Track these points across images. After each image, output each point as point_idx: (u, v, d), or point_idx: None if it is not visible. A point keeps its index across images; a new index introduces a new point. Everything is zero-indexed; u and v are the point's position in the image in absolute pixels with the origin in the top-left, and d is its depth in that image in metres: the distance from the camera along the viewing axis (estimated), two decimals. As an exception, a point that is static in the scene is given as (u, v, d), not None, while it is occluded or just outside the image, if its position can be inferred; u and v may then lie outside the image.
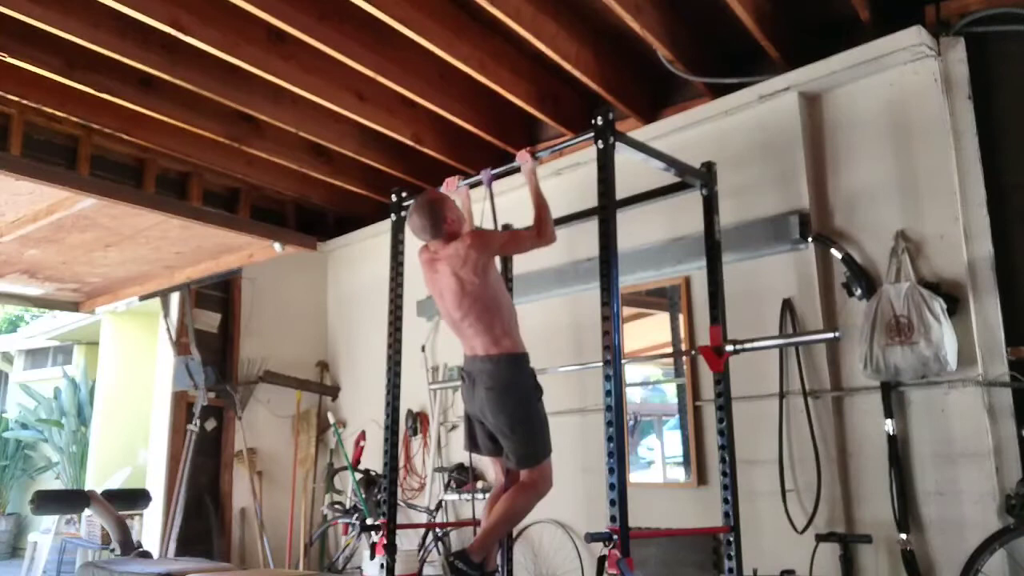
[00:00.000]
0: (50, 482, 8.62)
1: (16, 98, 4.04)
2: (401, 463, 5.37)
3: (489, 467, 3.35)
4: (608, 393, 2.67)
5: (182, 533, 5.25)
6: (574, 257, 4.51)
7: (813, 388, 3.60)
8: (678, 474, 4.15)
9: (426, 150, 4.88)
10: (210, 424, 5.74)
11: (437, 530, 4.91)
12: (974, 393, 3.21)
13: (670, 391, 4.35)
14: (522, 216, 4.33)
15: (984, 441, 3.16)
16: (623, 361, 2.85)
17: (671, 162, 3.32)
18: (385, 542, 3.45)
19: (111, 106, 4.24)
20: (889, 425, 3.34)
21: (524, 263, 4.44)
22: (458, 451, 5.18)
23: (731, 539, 3.21)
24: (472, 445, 3.28)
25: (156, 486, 5.52)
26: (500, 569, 3.15)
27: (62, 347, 9.41)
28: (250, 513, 5.72)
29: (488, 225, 3.50)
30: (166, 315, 6.00)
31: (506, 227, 4.29)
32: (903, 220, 3.46)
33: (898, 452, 3.32)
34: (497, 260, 3.35)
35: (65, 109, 4.20)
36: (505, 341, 3.07)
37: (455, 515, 5.11)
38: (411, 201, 3.79)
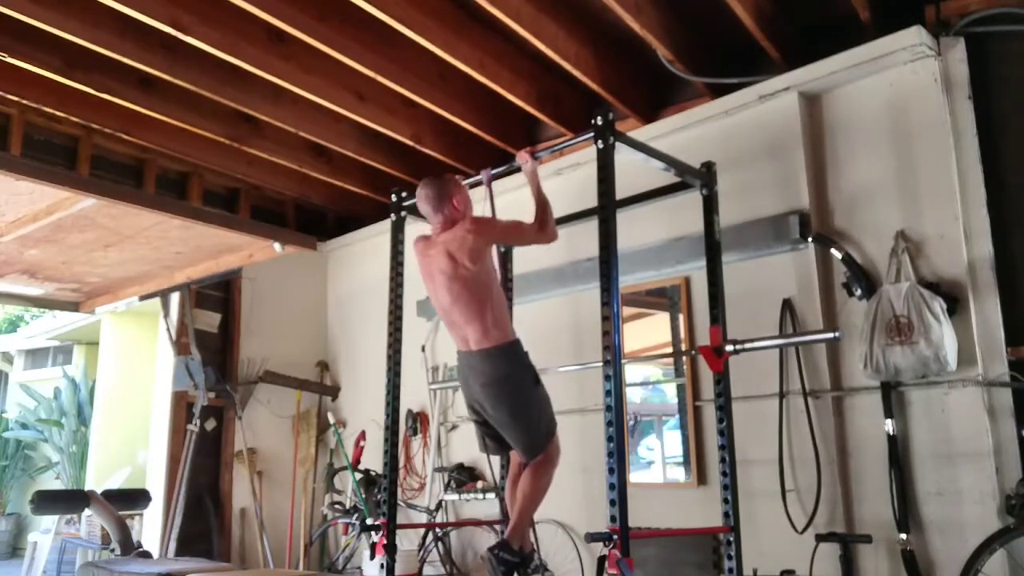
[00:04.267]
0: (50, 482, 8.62)
1: (16, 98, 4.04)
2: (401, 463, 5.37)
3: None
4: (608, 393, 2.67)
5: (182, 533, 5.25)
6: (574, 257, 4.51)
7: (813, 388, 3.60)
8: (678, 474, 4.15)
9: (426, 150, 4.88)
10: (210, 424, 5.74)
11: (437, 530, 4.91)
12: (974, 393, 3.21)
13: (670, 391, 4.35)
14: (521, 216, 4.34)
15: (984, 441, 3.16)
16: (623, 361, 2.85)
17: (671, 162, 3.32)
18: (385, 542, 3.45)
19: (111, 106, 4.24)
20: (889, 425, 3.34)
21: (524, 263, 4.44)
22: (458, 451, 5.18)
23: (731, 539, 3.21)
24: (483, 446, 3.31)
25: (156, 486, 5.51)
26: (536, 549, 3.20)
27: (62, 347, 9.41)
28: (250, 513, 5.72)
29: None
30: (166, 315, 6.00)
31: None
32: (903, 220, 3.46)
33: (898, 452, 3.32)
34: (495, 257, 3.34)
35: (65, 109, 4.20)
36: (495, 332, 3.05)
37: (455, 515, 5.11)
38: (411, 201, 3.80)
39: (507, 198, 4.69)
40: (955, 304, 3.26)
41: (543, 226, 3.14)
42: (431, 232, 3.23)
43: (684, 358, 4.13)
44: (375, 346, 5.01)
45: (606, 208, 2.83)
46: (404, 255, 3.78)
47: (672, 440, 4.24)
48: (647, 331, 4.52)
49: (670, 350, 4.28)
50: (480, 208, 3.45)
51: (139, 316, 7.67)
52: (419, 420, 5.41)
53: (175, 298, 5.99)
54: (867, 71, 3.58)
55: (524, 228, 3.16)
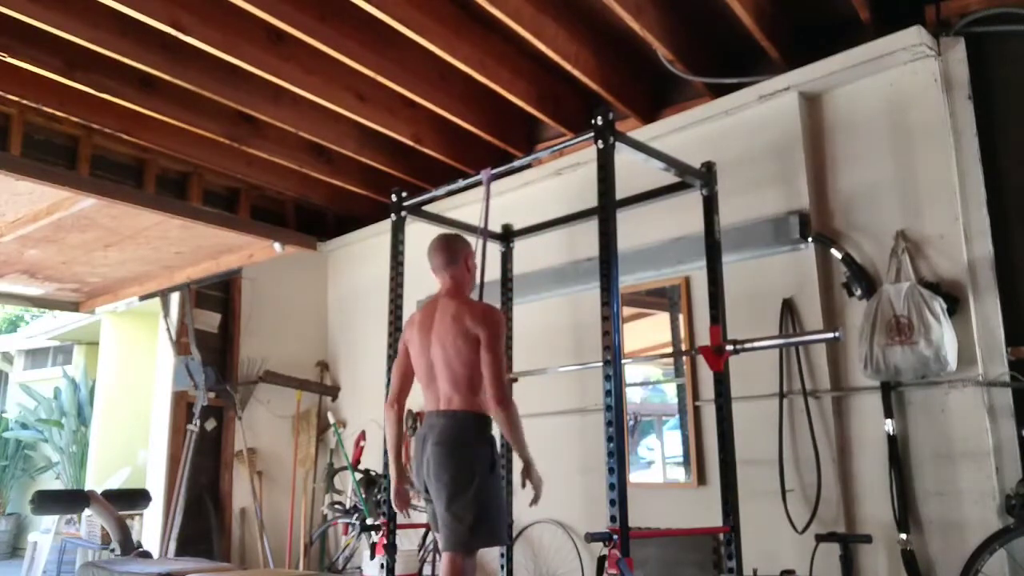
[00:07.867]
0: (50, 482, 8.62)
1: (16, 98, 4.04)
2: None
3: None
4: (608, 393, 2.67)
5: (182, 533, 5.26)
6: (574, 257, 4.51)
7: (813, 388, 3.60)
8: (678, 474, 4.15)
9: (426, 150, 4.88)
10: (210, 424, 5.74)
11: (437, 530, 4.91)
12: (974, 393, 3.20)
13: (670, 391, 4.35)
14: (521, 216, 4.35)
15: (984, 441, 3.16)
16: (623, 361, 2.84)
17: (671, 162, 3.31)
18: (385, 542, 3.45)
19: (111, 106, 4.25)
20: (889, 425, 3.34)
21: (524, 263, 4.45)
22: (458, 451, 5.18)
23: (731, 539, 3.21)
24: (434, 524, 2.96)
25: (156, 486, 5.52)
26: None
27: (62, 347, 9.41)
28: (250, 513, 5.72)
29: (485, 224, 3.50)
30: (166, 315, 6.00)
31: (506, 227, 4.31)
32: (903, 220, 3.46)
33: (898, 452, 3.32)
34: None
35: (65, 109, 4.20)
36: (473, 399, 2.86)
37: (455, 515, 5.10)
38: (411, 201, 3.81)
39: (507, 198, 4.71)
40: (955, 304, 3.26)
41: (502, 400, 2.81)
42: (444, 283, 3.09)
43: (684, 358, 4.12)
44: (375, 346, 5.01)
45: (606, 208, 2.83)
46: (404, 255, 3.79)
47: (672, 440, 4.24)
48: (647, 331, 4.52)
49: (670, 350, 4.28)
50: (479, 208, 3.45)
51: (139, 316, 7.67)
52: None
53: (175, 298, 5.99)
54: (867, 71, 3.58)
55: (495, 369, 2.84)
